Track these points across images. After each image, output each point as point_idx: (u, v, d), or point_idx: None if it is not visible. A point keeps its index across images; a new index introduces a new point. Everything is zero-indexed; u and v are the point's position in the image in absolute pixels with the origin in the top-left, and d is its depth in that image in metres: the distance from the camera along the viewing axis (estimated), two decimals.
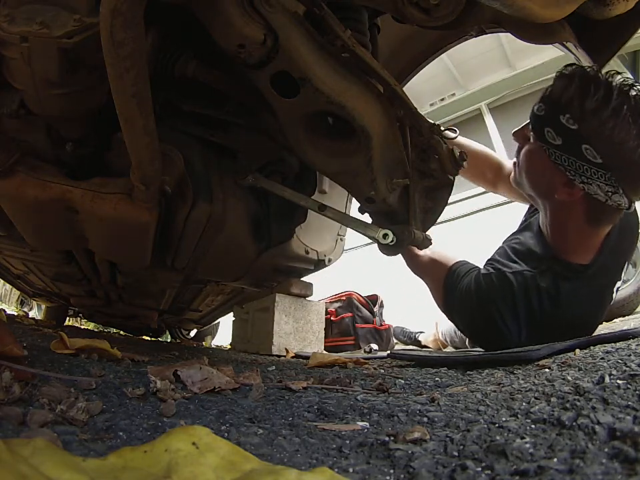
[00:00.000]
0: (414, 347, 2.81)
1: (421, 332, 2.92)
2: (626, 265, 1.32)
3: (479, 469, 0.36)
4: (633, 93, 1.09)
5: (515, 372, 0.82)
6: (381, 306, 3.09)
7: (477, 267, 1.36)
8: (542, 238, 1.29)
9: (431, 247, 1.45)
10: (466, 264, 1.38)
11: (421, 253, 1.46)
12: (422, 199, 1.03)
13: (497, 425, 0.47)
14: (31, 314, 4.02)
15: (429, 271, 1.45)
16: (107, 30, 0.59)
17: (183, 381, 0.68)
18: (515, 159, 1.35)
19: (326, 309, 2.49)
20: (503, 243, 1.42)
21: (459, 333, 2.13)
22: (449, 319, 1.50)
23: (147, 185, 0.87)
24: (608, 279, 1.26)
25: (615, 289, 1.28)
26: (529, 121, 1.26)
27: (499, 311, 1.18)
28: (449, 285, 1.36)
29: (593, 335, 1.21)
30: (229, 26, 0.71)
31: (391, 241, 0.98)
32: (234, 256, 1.25)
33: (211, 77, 0.97)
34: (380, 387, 0.77)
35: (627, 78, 1.12)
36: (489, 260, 1.35)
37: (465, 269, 1.35)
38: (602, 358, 0.74)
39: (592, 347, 0.92)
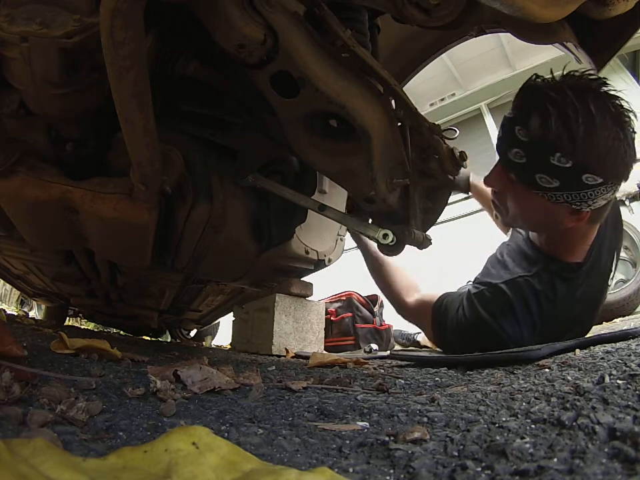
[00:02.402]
0: (414, 348, 2.81)
1: (419, 332, 2.92)
2: (616, 255, 1.30)
3: (479, 468, 0.36)
4: (605, 90, 1.04)
5: (515, 372, 0.82)
6: (381, 306, 3.08)
7: (462, 292, 1.31)
8: (533, 243, 1.26)
9: (418, 288, 1.44)
10: (449, 295, 1.35)
11: (408, 299, 1.43)
12: (422, 199, 1.03)
13: (497, 425, 0.47)
14: (31, 314, 4.02)
15: (417, 316, 1.43)
16: (107, 30, 0.59)
17: (183, 381, 0.68)
18: (494, 200, 1.24)
19: (326, 309, 2.49)
20: (496, 250, 1.40)
21: None
22: (447, 353, 1.47)
23: (146, 185, 0.87)
24: (603, 272, 1.24)
25: (609, 280, 1.27)
26: (497, 163, 1.16)
27: (499, 323, 1.15)
28: (438, 321, 1.32)
29: (593, 335, 1.21)
30: (228, 26, 0.71)
31: (391, 241, 0.98)
32: (234, 256, 1.25)
33: (211, 77, 0.97)
34: (380, 387, 0.77)
35: (586, 74, 1.06)
36: (476, 277, 1.32)
37: (450, 299, 1.32)
38: (602, 358, 0.74)
39: (592, 347, 0.92)
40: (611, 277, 1.29)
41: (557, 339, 1.10)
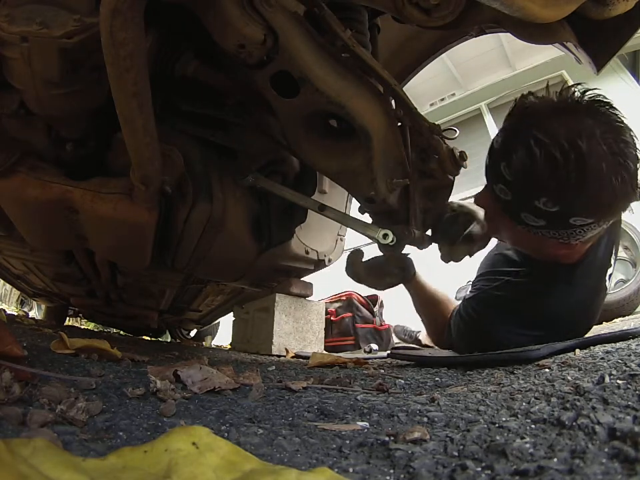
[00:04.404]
0: (415, 346, 2.82)
1: (420, 331, 2.92)
2: (614, 250, 1.26)
3: (479, 468, 0.36)
4: (606, 117, 0.92)
5: (515, 372, 0.82)
6: (381, 306, 3.08)
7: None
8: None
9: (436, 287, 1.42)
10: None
11: (429, 289, 1.41)
12: (422, 199, 1.03)
13: (497, 425, 0.47)
14: (31, 314, 4.02)
15: (434, 310, 1.41)
16: (107, 30, 0.59)
17: (183, 381, 0.68)
18: (486, 217, 1.18)
19: (326, 309, 2.49)
20: (489, 253, 1.38)
21: None
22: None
23: (146, 185, 0.87)
24: (601, 268, 1.21)
25: (607, 277, 1.24)
26: (486, 186, 1.12)
27: (493, 326, 1.15)
28: (448, 329, 1.33)
29: (593, 335, 1.20)
30: (228, 26, 0.71)
31: (391, 241, 0.98)
32: (234, 256, 1.25)
33: (211, 77, 0.97)
34: (380, 387, 0.77)
35: (585, 95, 0.96)
36: (473, 281, 1.32)
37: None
38: (602, 358, 0.74)
39: (592, 347, 0.91)
40: (611, 272, 1.25)
41: (558, 338, 1.09)
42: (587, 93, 0.97)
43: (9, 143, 0.91)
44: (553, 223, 0.98)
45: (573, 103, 0.96)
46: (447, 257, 1.18)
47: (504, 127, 1.05)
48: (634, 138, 0.95)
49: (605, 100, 0.96)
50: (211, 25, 0.74)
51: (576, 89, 0.98)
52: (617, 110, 0.96)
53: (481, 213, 1.12)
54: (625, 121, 0.95)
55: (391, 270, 1.22)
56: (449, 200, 1.09)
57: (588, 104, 0.96)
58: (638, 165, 0.94)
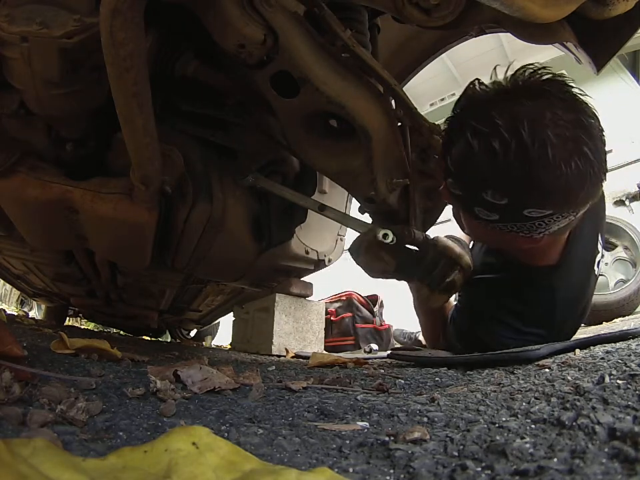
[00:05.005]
0: (416, 346, 2.82)
1: (420, 331, 2.92)
2: (600, 236, 1.19)
3: (479, 468, 0.36)
4: (560, 97, 0.83)
5: (515, 372, 0.82)
6: (381, 306, 3.09)
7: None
8: (498, 251, 1.18)
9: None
10: None
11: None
12: (422, 199, 1.03)
13: (497, 425, 0.47)
14: (31, 314, 4.02)
15: (435, 314, 1.38)
16: (107, 30, 0.59)
17: (183, 381, 0.68)
18: (453, 213, 1.12)
19: (326, 309, 2.49)
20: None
21: None
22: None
23: (146, 185, 0.87)
24: (587, 260, 1.15)
25: (596, 265, 1.18)
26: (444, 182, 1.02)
27: (479, 332, 1.14)
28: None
29: (593, 335, 1.20)
30: (228, 26, 0.71)
31: (391, 241, 0.98)
32: (234, 256, 1.25)
33: (211, 77, 0.97)
34: (380, 387, 0.77)
35: (537, 75, 0.86)
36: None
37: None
38: (602, 358, 0.74)
39: (592, 347, 0.92)
40: (599, 259, 1.19)
41: (550, 339, 1.09)
42: (540, 72, 0.87)
43: (9, 143, 0.91)
44: (506, 216, 0.91)
45: (521, 86, 0.87)
46: (426, 301, 1.13)
47: (447, 119, 0.97)
48: (597, 120, 0.85)
49: (562, 79, 0.87)
50: (211, 25, 0.74)
51: (529, 69, 0.88)
52: (577, 89, 0.87)
53: (466, 257, 1.07)
54: (587, 102, 0.86)
55: (390, 257, 1.04)
56: (438, 236, 1.06)
57: (539, 86, 0.86)
58: (603, 149, 0.85)
